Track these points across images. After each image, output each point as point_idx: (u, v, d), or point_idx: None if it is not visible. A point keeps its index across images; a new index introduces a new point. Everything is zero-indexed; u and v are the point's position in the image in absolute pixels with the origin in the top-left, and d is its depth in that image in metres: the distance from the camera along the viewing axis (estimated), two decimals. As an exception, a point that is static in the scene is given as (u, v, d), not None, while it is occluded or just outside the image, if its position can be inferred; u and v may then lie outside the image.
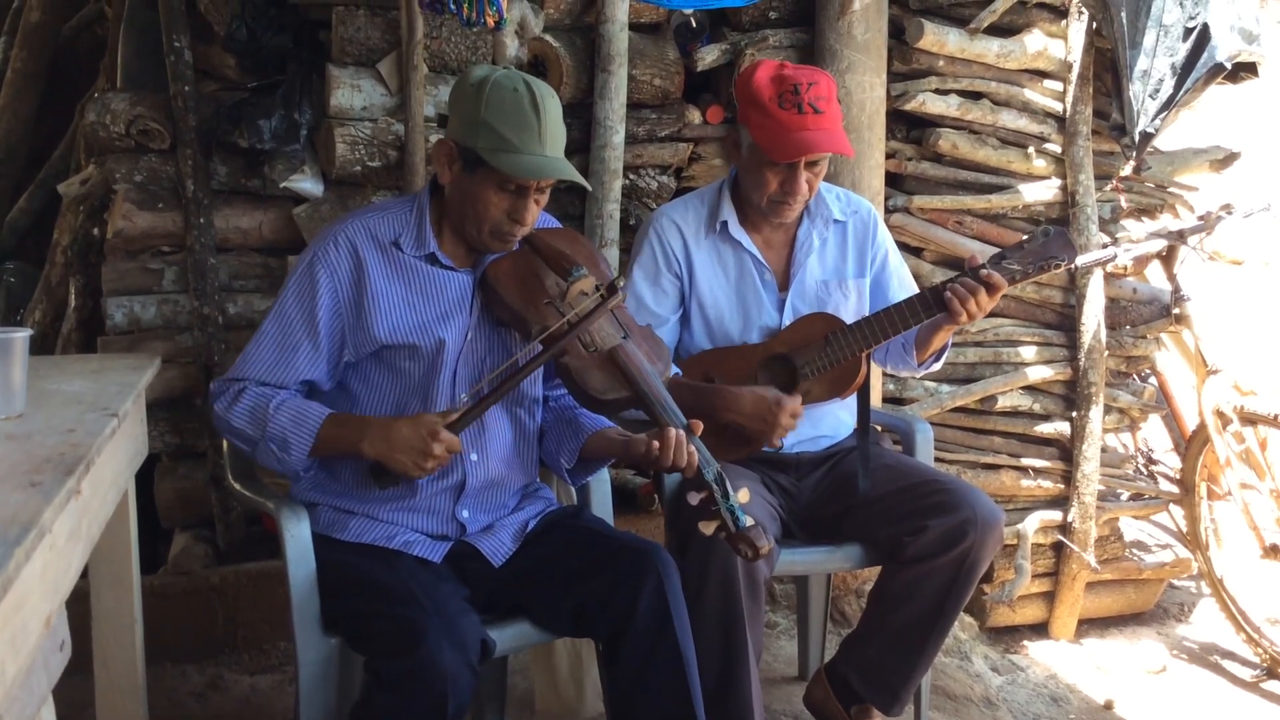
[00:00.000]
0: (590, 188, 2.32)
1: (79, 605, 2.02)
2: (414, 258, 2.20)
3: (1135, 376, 3.83)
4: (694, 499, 2.06)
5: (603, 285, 2.19)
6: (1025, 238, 2.52)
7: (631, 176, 3.37)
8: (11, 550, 1.25)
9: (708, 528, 2.04)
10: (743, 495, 2.05)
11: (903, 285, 2.72)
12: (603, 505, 2.47)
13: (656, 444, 2.08)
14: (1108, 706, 3.29)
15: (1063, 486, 3.65)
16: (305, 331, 2.16)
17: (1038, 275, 2.51)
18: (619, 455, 2.24)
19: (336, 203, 3.16)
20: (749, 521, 2.02)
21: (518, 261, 2.21)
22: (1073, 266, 2.70)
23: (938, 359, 2.71)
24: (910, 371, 2.74)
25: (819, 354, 2.55)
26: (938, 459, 3.36)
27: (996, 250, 2.55)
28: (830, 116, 2.48)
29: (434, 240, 2.20)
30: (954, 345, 3.33)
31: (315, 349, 2.17)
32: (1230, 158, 3.80)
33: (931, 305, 2.49)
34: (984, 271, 2.45)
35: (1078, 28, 3.51)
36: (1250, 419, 3.48)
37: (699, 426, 2.11)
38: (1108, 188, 3.62)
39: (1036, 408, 3.63)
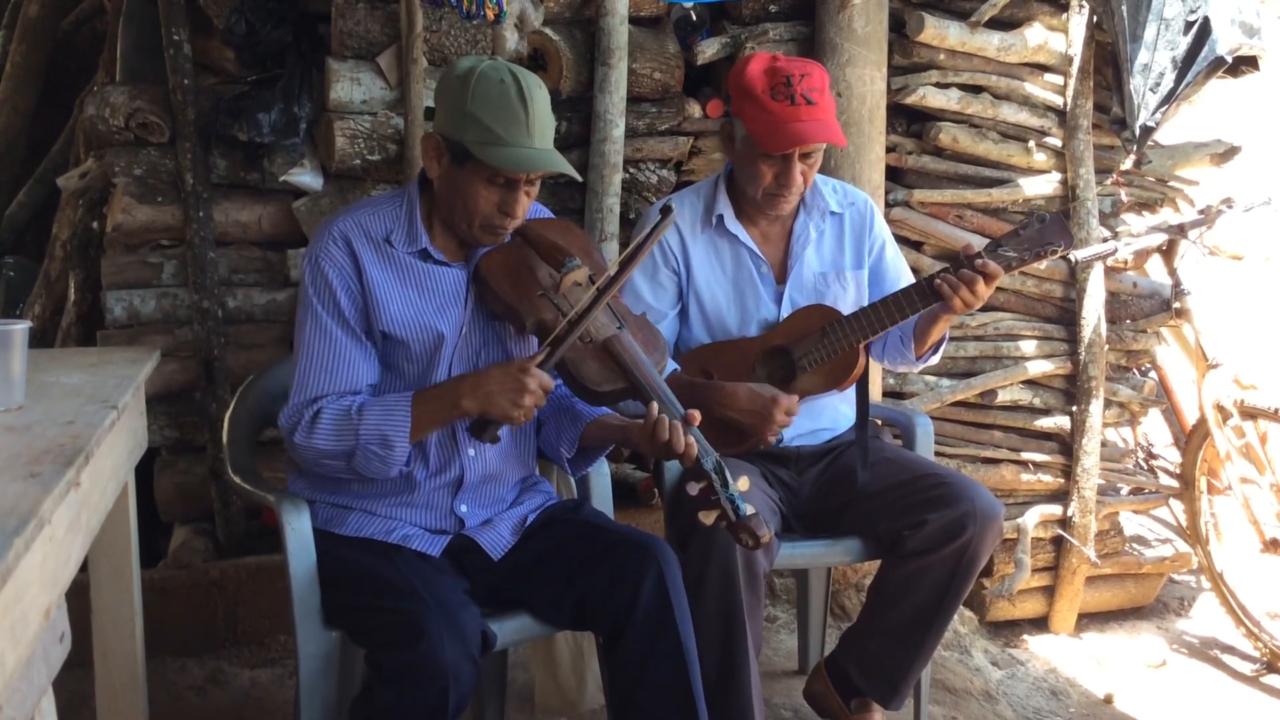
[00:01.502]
0: (581, 178, 2.30)
1: (79, 599, 2.03)
2: (406, 254, 2.18)
3: (1135, 371, 3.83)
4: (693, 489, 2.06)
5: (597, 275, 2.18)
6: (1021, 224, 2.51)
7: (631, 170, 3.37)
8: (10, 540, 1.25)
9: (708, 517, 2.04)
10: (742, 483, 2.05)
11: (901, 277, 2.72)
12: (603, 499, 2.47)
13: (655, 426, 2.07)
14: (1107, 700, 3.29)
15: (1063, 481, 3.65)
16: (346, 334, 2.13)
17: (1034, 262, 2.50)
18: (618, 441, 2.24)
19: (336, 196, 3.16)
20: (749, 510, 2.02)
21: (510, 254, 2.20)
22: (1069, 253, 2.69)
23: (935, 352, 2.71)
24: (909, 366, 2.74)
25: (816, 346, 2.55)
26: (938, 453, 3.36)
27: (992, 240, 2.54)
28: (824, 107, 2.47)
29: (425, 235, 2.19)
30: (953, 339, 3.34)
31: (363, 348, 2.15)
32: (1231, 152, 3.80)
33: (928, 294, 2.48)
34: (979, 260, 2.44)
35: (1078, 21, 3.50)
36: (1250, 413, 3.47)
37: (696, 417, 2.10)
38: (1108, 182, 3.61)
39: (1037, 402, 3.63)
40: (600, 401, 2.19)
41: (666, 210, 2.13)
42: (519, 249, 2.20)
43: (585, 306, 2.09)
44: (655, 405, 2.10)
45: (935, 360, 2.75)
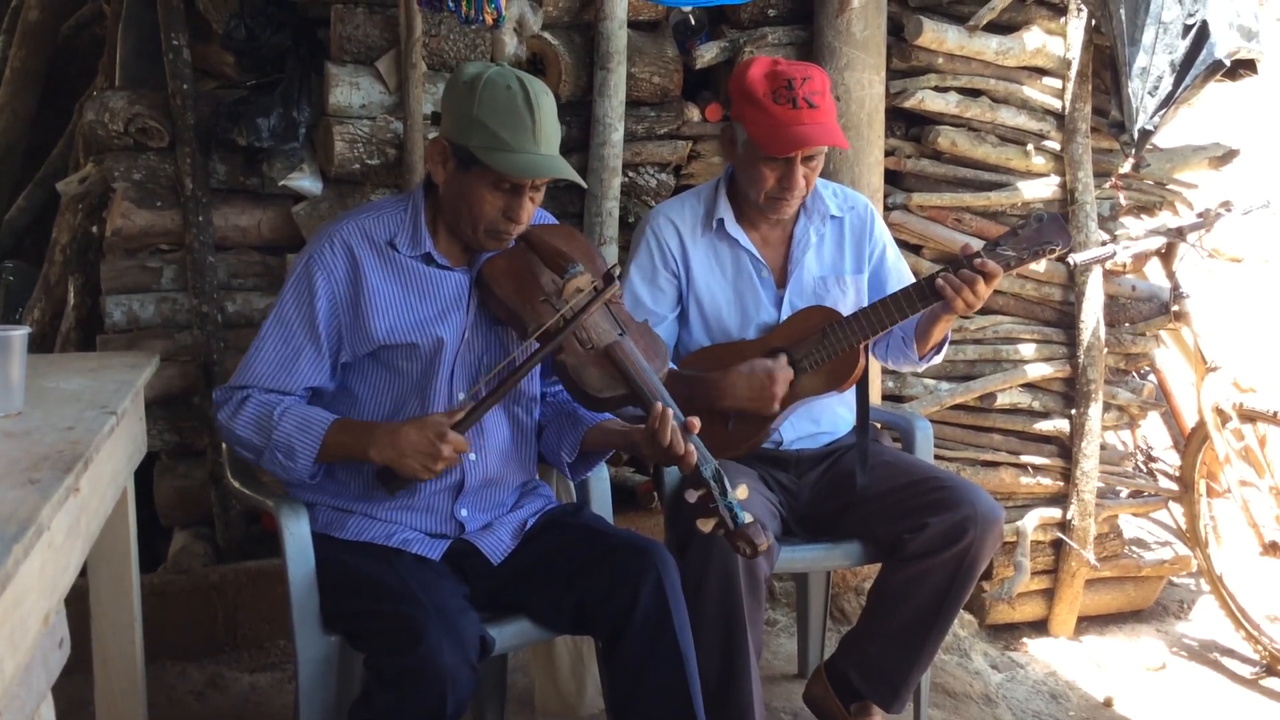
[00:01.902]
0: (586, 185, 2.31)
1: (78, 604, 2.03)
2: (410, 258, 2.19)
3: (1134, 374, 3.83)
4: (692, 496, 2.06)
5: (599, 281, 2.18)
6: (1019, 224, 2.51)
7: (630, 174, 3.37)
8: (10, 547, 1.25)
9: (706, 525, 2.04)
10: (741, 492, 2.05)
11: (901, 280, 2.72)
12: (602, 503, 2.47)
13: (656, 436, 2.07)
14: (1107, 704, 3.28)
15: (1062, 484, 3.65)
16: (307, 336, 2.15)
17: (1033, 261, 2.50)
18: (619, 446, 2.24)
19: (335, 201, 3.16)
20: (747, 518, 2.02)
21: (513, 259, 2.20)
22: (1067, 252, 2.69)
23: (938, 352, 2.71)
24: (912, 366, 2.74)
25: (816, 347, 2.55)
26: (937, 456, 3.36)
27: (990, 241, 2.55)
28: (825, 110, 2.48)
29: (429, 240, 2.20)
30: (953, 343, 3.33)
31: (318, 353, 2.16)
32: (1229, 155, 3.80)
33: (928, 294, 2.48)
34: (978, 259, 2.44)
35: (1077, 25, 3.51)
36: (1249, 416, 3.47)
37: (696, 425, 2.10)
38: (1107, 185, 3.61)
39: (1036, 405, 3.63)
40: (601, 408, 2.20)
41: (609, 280, 2.17)
42: (522, 254, 2.21)
43: (577, 308, 2.10)
44: (659, 405, 2.10)
45: (938, 360, 2.75)
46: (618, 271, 2.21)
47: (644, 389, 2.12)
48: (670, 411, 2.09)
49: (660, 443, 2.07)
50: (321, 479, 2.23)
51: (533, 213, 2.17)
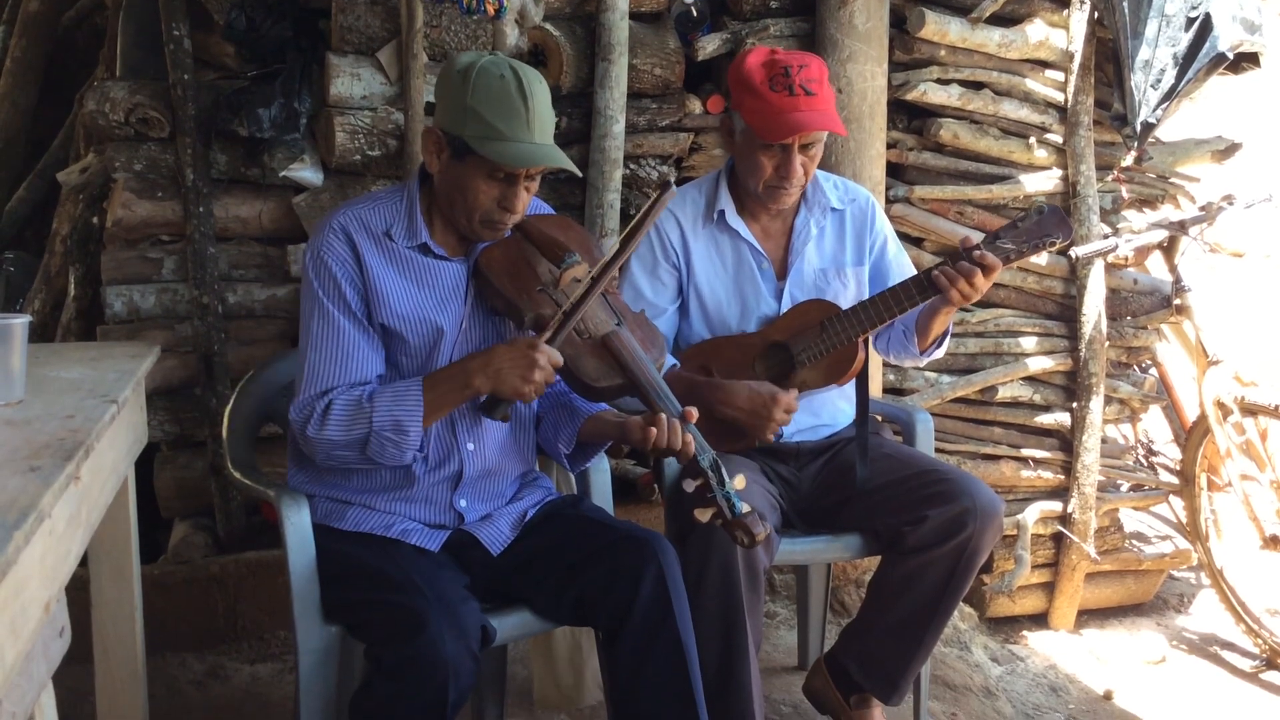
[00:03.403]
0: (581, 174, 2.30)
1: (79, 594, 2.03)
2: (406, 248, 2.18)
3: (1136, 367, 3.83)
4: (689, 486, 2.05)
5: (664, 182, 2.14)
6: (1019, 217, 2.50)
7: (632, 166, 3.37)
8: (10, 534, 1.25)
9: (704, 515, 2.04)
10: (739, 481, 2.05)
11: (902, 273, 2.71)
12: (603, 494, 2.47)
13: (652, 428, 2.08)
14: (1107, 697, 3.29)
15: (1063, 477, 3.65)
16: (353, 324, 2.13)
17: (1033, 254, 2.49)
18: (615, 437, 2.24)
19: (336, 192, 3.16)
20: (745, 508, 2.02)
21: (510, 249, 2.20)
22: (1068, 245, 2.68)
23: (939, 345, 2.71)
24: (914, 360, 2.74)
25: (815, 340, 2.54)
26: (938, 449, 3.36)
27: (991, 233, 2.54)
28: (823, 98, 2.47)
29: (425, 230, 2.19)
30: (954, 336, 3.33)
31: (370, 338, 2.15)
32: (1232, 148, 3.80)
33: (926, 287, 2.48)
34: (977, 252, 2.44)
35: (1079, 17, 3.50)
36: (1251, 410, 3.47)
37: (693, 414, 2.10)
38: (1109, 178, 3.61)
39: (1037, 398, 3.63)
40: (598, 397, 2.19)
41: (665, 185, 2.12)
42: (518, 244, 2.20)
43: (590, 282, 2.09)
44: (655, 402, 2.10)
45: (940, 354, 2.75)
46: (671, 179, 2.13)
47: (640, 379, 2.12)
48: (664, 416, 2.08)
49: (657, 446, 2.07)
50: (317, 471, 2.23)
51: (528, 202, 2.17)
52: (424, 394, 2.07)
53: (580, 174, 2.30)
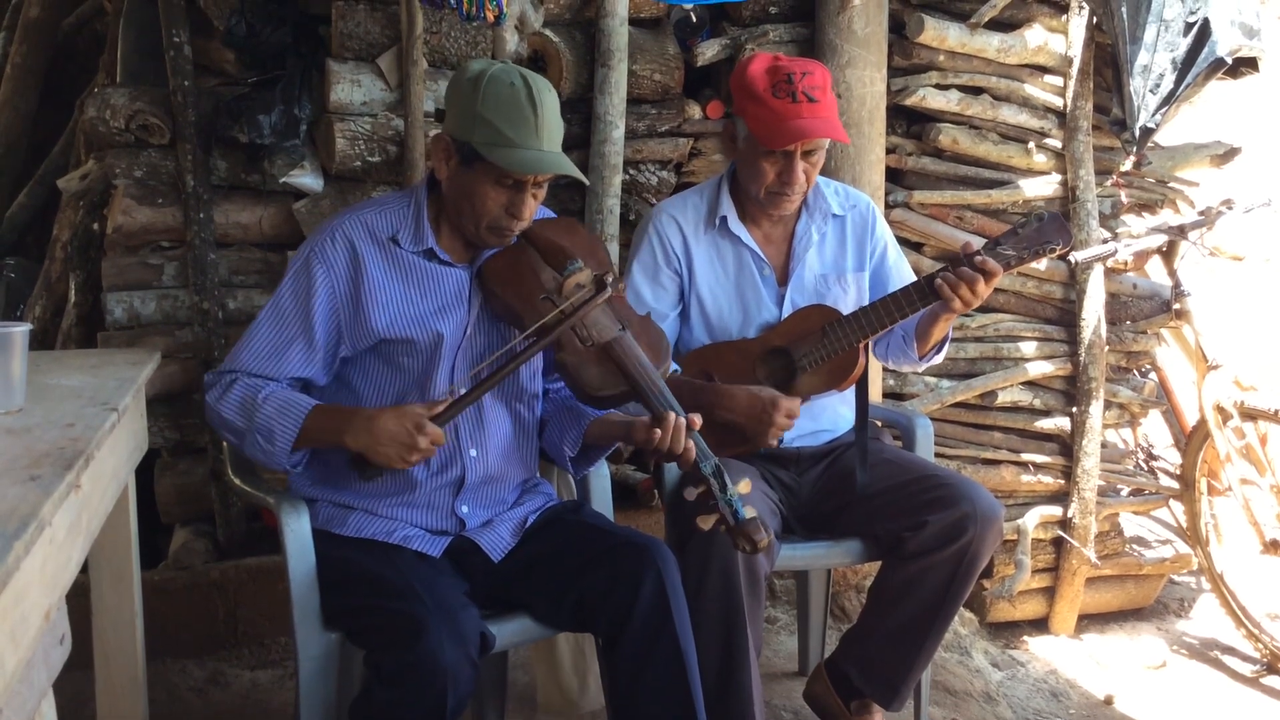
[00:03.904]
0: (588, 182, 2.31)
1: (80, 600, 2.03)
2: (412, 254, 2.19)
3: (1136, 372, 3.83)
4: (691, 494, 2.05)
5: (601, 274, 2.17)
6: (1019, 223, 2.51)
7: (631, 172, 3.37)
8: (11, 543, 1.25)
9: (706, 522, 2.04)
10: (743, 486, 2.05)
11: (902, 279, 2.72)
12: (603, 500, 2.47)
13: (657, 429, 2.08)
14: (1108, 702, 3.29)
15: (1063, 482, 3.65)
16: (300, 328, 2.16)
17: (1033, 260, 2.50)
18: (621, 439, 2.24)
19: (336, 198, 3.16)
20: (750, 513, 2.02)
21: (514, 257, 2.20)
22: (1068, 251, 2.69)
23: (939, 351, 2.71)
24: (913, 365, 2.74)
25: (816, 346, 2.55)
26: (938, 454, 3.36)
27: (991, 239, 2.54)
28: (825, 105, 2.48)
29: (432, 236, 2.20)
30: (954, 341, 3.33)
31: (309, 346, 2.16)
32: (1231, 153, 3.80)
33: (927, 293, 2.48)
34: (978, 258, 2.44)
35: (1078, 23, 3.51)
36: (1251, 414, 3.47)
37: (697, 421, 2.10)
38: (1108, 183, 3.61)
39: (1037, 403, 3.63)
40: (601, 405, 2.20)
41: (601, 286, 2.16)
42: (522, 251, 2.21)
43: (576, 305, 2.10)
44: (659, 409, 2.10)
45: (939, 359, 2.75)
46: (609, 279, 2.19)
47: (644, 386, 2.12)
48: (674, 419, 2.08)
49: (661, 448, 2.08)
50: (322, 474, 2.24)
51: (535, 209, 2.18)
52: (305, 419, 2.08)
53: (587, 181, 2.32)
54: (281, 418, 2.09)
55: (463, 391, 2.10)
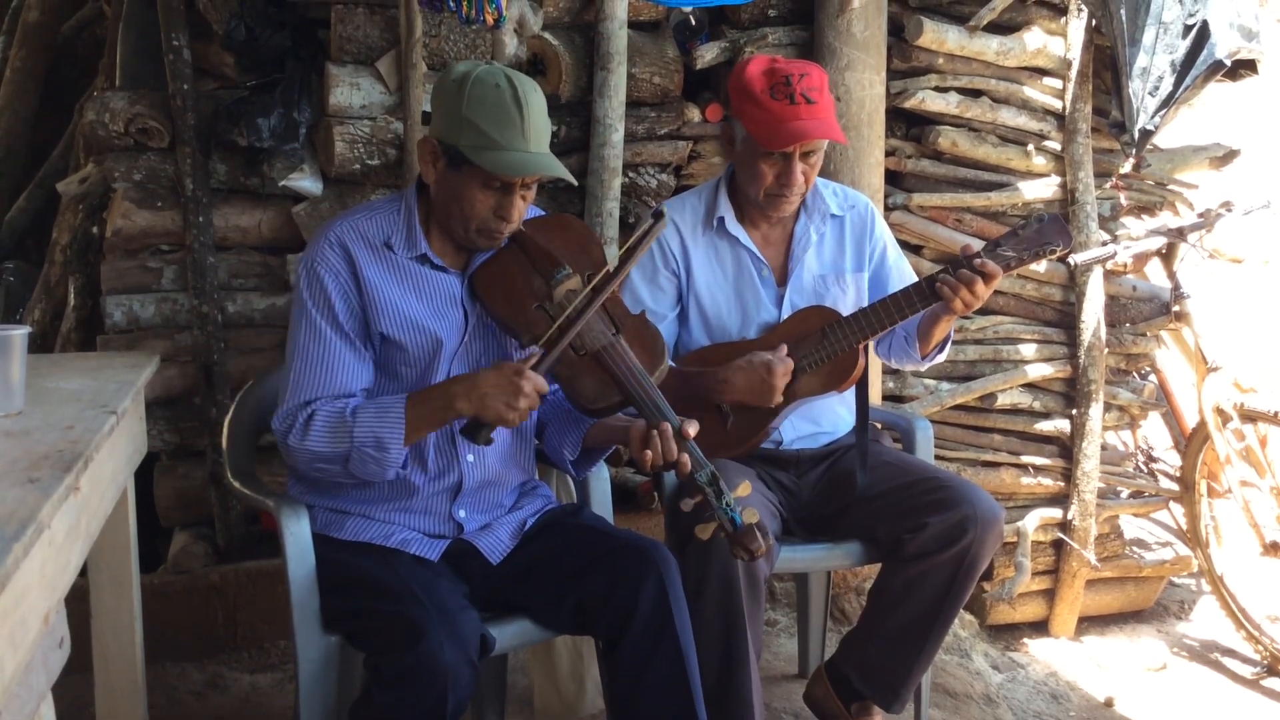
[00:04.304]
0: (576, 182, 2.29)
1: (79, 604, 2.03)
2: (406, 259, 2.18)
3: (1135, 374, 3.83)
4: (687, 505, 2.05)
5: (596, 273, 2.13)
6: (1019, 225, 2.51)
7: (631, 174, 3.37)
8: (10, 546, 1.25)
9: (704, 531, 2.04)
10: (743, 489, 2.04)
11: (902, 279, 2.72)
12: (602, 503, 2.47)
13: (648, 451, 2.06)
14: (1108, 704, 3.28)
15: (1063, 484, 3.65)
16: (340, 337, 2.12)
17: (1033, 262, 2.50)
18: (620, 442, 2.24)
19: (335, 201, 3.16)
20: (746, 520, 2.01)
21: (505, 264, 2.18)
22: (1068, 253, 2.69)
23: (941, 350, 2.71)
24: (915, 365, 2.74)
25: (816, 347, 2.55)
26: (938, 456, 3.36)
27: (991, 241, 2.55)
28: (823, 106, 2.48)
29: (424, 240, 2.19)
30: (954, 343, 3.33)
31: (357, 352, 2.14)
32: (1230, 155, 3.80)
33: (927, 295, 2.48)
34: (978, 260, 2.44)
35: (1077, 25, 3.51)
36: (1250, 416, 3.47)
37: (691, 431, 2.08)
38: (1107, 185, 3.62)
39: (1037, 405, 3.63)
40: (597, 415, 2.19)
41: (659, 215, 2.12)
42: (513, 257, 2.19)
43: (578, 310, 2.08)
44: (651, 418, 2.08)
45: (942, 359, 2.75)
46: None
47: (636, 395, 2.10)
48: (667, 427, 2.07)
49: (656, 462, 2.07)
50: (316, 482, 2.22)
51: (524, 211, 2.17)
52: (406, 411, 2.05)
53: (575, 183, 2.30)
54: (382, 421, 2.05)
55: (552, 340, 2.06)
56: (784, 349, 2.50)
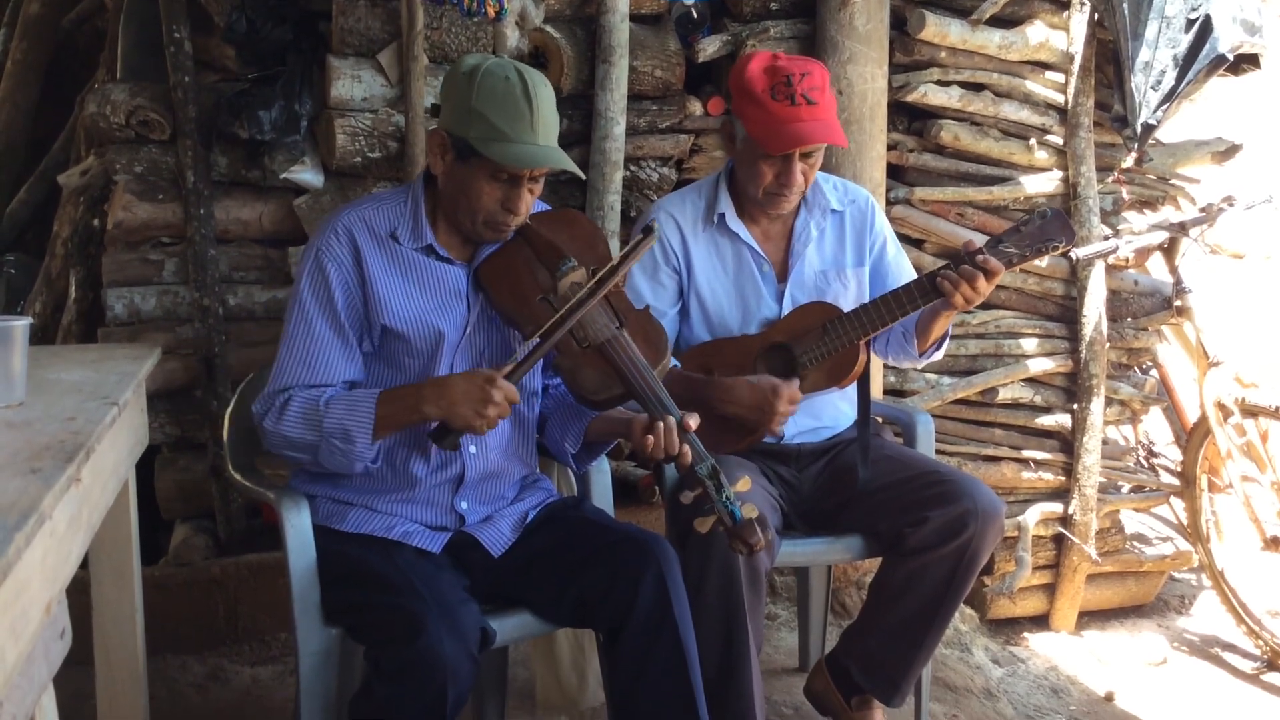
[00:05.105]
0: (584, 176, 2.30)
1: (80, 596, 2.03)
2: (411, 250, 2.19)
3: (1136, 369, 3.83)
4: (687, 498, 2.05)
5: (600, 268, 2.14)
6: (1022, 220, 2.51)
7: (632, 168, 3.37)
8: (11, 535, 1.25)
9: (703, 525, 2.04)
10: (743, 484, 2.04)
11: (902, 273, 2.72)
12: (603, 496, 2.47)
13: (650, 438, 2.07)
14: (1108, 698, 3.29)
15: (1063, 479, 3.65)
16: (331, 328, 2.14)
17: (1035, 258, 2.50)
18: (622, 435, 2.24)
19: (337, 194, 3.16)
20: (745, 515, 2.01)
21: (510, 257, 2.19)
22: (1070, 249, 2.68)
23: (938, 348, 2.71)
24: (912, 362, 2.74)
25: (817, 342, 2.55)
26: (939, 451, 3.35)
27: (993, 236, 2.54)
28: (824, 107, 2.47)
29: (430, 232, 2.19)
30: (955, 337, 3.33)
31: (346, 344, 2.15)
32: (1232, 150, 3.80)
33: (929, 290, 2.48)
34: (980, 256, 2.44)
35: (1079, 19, 3.50)
36: (1251, 411, 3.47)
37: (692, 424, 2.09)
38: (1109, 179, 3.61)
39: (1038, 400, 3.63)
40: (599, 408, 2.19)
41: (649, 230, 2.14)
42: (519, 250, 2.20)
43: (558, 318, 2.08)
44: (653, 410, 2.09)
45: (939, 356, 2.75)
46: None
47: (639, 387, 2.10)
48: (670, 420, 2.07)
49: (655, 456, 2.07)
50: (319, 471, 2.23)
51: (531, 204, 2.17)
52: (376, 408, 2.07)
53: (584, 176, 2.31)
54: (352, 414, 2.06)
55: (531, 349, 2.07)
56: (796, 382, 2.48)
